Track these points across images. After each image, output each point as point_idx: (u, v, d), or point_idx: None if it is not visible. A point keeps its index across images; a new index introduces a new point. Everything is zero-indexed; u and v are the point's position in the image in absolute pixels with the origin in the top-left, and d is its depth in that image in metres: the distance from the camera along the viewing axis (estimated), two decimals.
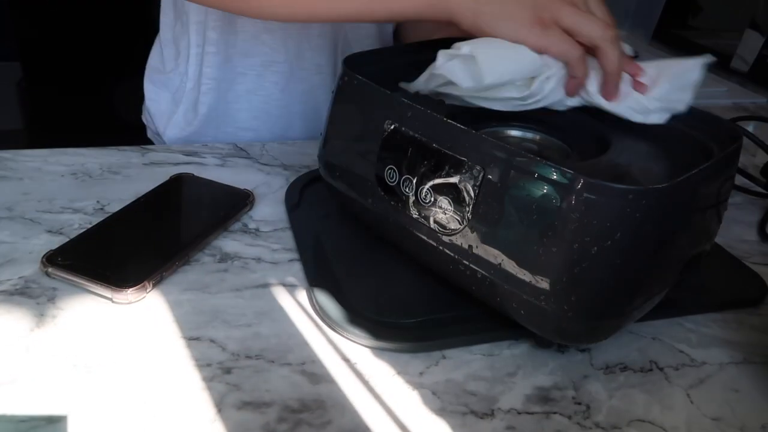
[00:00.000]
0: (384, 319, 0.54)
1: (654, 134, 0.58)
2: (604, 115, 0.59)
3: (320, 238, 0.65)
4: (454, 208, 0.50)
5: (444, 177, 0.50)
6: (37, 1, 2.76)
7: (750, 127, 1.08)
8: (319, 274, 0.59)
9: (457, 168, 0.49)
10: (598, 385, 0.51)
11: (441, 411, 0.47)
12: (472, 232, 0.49)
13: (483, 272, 0.49)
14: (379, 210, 0.57)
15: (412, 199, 0.53)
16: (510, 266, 0.48)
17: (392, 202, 0.55)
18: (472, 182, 0.48)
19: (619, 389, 0.51)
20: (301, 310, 0.56)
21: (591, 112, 0.61)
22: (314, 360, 0.51)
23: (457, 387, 0.49)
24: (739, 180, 0.81)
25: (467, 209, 0.49)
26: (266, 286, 0.58)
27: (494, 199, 0.48)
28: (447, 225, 0.51)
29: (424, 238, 0.53)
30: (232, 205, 0.68)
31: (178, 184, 0.72)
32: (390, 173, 0.55)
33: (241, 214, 0.69)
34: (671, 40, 1.55)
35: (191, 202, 0.70)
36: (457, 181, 0.49)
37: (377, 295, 0.57)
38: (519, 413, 0.48)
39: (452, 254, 0.51)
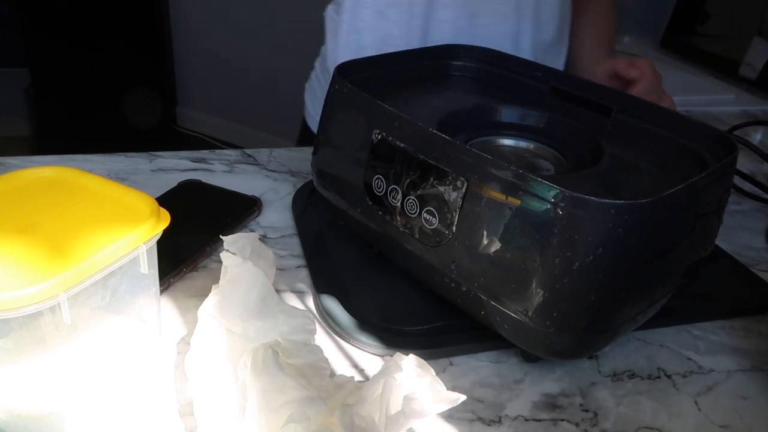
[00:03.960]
0: (391, 326, 0.54)
1: (649, 145, 0.58)
2: (600, 125, 0.59)
3: (327, 244, 0.65)
4: (438, 219, 0.50)
5: (428, 188, 0.50)
6: (45, 7, 2.77)
7: (758, 134, 1.08)
8: (325, 281, 0.59)
9: (441, 179, 0.49)
10: (606, 392, 0.51)
11: (449, 418, 0.47)
12: (456, 244, 0.49)
13: (467, 285, 0.49)
14: (367, 219, 0.57)
15: (398, 209, 0.53)
16: (492, 280, 0.47)
17: (380, 212, 0.55)
18: (455, 194, 0.48)
19: (627, 396, 0.51)
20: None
21: (587, 121, 0.61)
22: None
23: (464, 394, 0.49)
24: (748, 187, 0.81)
25: (450, 221, 0.49)
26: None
27: (477, 212, 0.47)
28: (431, 236, 0.51)
29: (410, 249, 0.53)
30: (239, 211, 0.69)
31: (185, 190, 0.73)
32: (378, 183, 0.55)
33: (249, 221, 0.69)
34: (679, 47, 1.55)
35: (199, 209, 0.70)
36: (440, 193, 0.49)
37: (384, 302, 0.57)
38: (526, 420, 0.48)
39: (436, 266, 0.51)
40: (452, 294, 0.51)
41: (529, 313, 0.46)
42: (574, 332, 0.46)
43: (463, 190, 0.48)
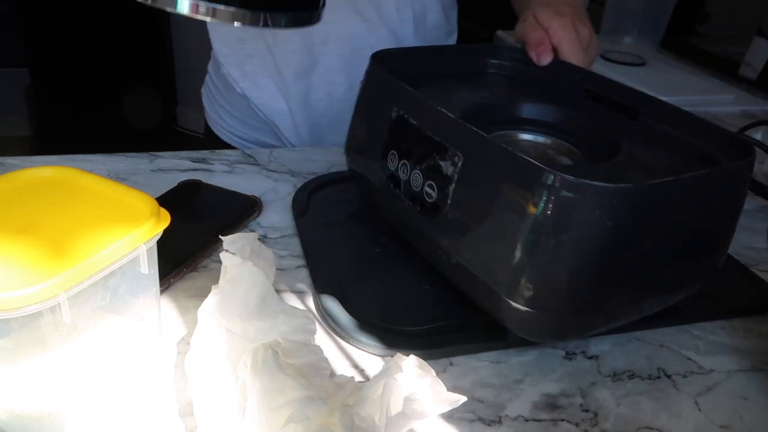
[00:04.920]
0: (391, 326, 0.54)
1: (669, 148, 0.58)
2: (625, 127, 0.60)
3: (327, 245, 0.65)
4: (437, 193, 0.52)
5: (430, 162, 0.53)
6: (46, 7, 2.77)
7: (758, 134, 1.08)
8: (326, 282, 0.59)
9: (441, 154, 0.52)
10: (606, 392, 0.51)
11: (449, 418, 0.47)
12: (449, 217, 0.51)
13: (459, 260, 0.51)
14: (384, 195, 0.60)
15: (405, 183, 0.56)
16: (480, 255, 0.49)
17: (391, 185, 0.58)
18: (452, 168, 0.50)
19: (627, 396, 0.51)
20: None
21: (606, 118, 0.61)
22: None
23: (464, 394, 0.49)
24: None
25: (446, 194, 0.51)
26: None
27: (469, 186, 0.49)
28: (429, 209, 0.53)
29: (413, 222, 0.56)
30: (239, 211, 0.69)
31: (186, 190, 0.73)
32: (392, 158, 0.58)
33: (249, 221, 0.69)
34: (679, 47, 1.55)
35: (199, 209, 0.70)
36: (439, 166, 0.52)
37: (384, 303, 0.57)
38: (526, 420, 0.48)
39: (434, 239, 0.53)
40: (448, 269, 0.54)
41: (509, 290, 0.47)
42: (556, 313, 0.47)
43: (459, 164, 0.50)
